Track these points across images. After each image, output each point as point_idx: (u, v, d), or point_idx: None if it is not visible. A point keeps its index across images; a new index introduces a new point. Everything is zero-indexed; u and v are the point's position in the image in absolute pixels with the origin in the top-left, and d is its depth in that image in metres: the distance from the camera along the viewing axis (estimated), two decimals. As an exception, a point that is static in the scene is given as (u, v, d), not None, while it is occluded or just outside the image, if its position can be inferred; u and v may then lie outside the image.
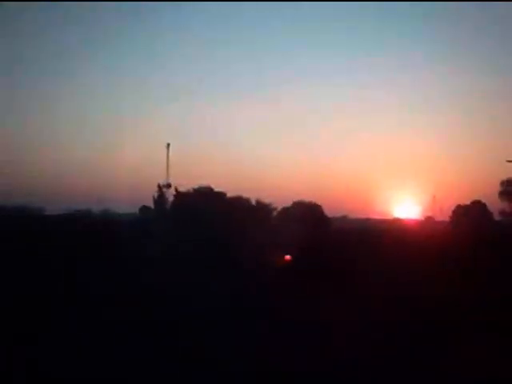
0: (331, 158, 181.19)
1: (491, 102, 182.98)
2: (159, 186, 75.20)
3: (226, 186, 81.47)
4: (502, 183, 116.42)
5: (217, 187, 77.52)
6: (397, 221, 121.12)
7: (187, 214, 70.97)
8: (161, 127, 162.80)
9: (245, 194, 78.29)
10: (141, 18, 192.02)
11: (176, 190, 75.24)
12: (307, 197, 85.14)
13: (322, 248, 40.61)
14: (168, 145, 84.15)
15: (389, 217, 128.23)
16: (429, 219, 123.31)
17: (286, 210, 75.66)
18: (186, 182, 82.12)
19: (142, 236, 52.70)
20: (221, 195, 78.28)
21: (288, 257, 36.62)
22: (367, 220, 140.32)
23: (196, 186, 75.49)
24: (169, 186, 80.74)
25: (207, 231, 61.47)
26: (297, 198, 77.34)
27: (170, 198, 75.83)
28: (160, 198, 75.00)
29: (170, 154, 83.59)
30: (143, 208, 75.89)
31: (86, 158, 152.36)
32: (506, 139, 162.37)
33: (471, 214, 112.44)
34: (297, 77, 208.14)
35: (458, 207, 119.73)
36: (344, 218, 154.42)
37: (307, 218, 69.23)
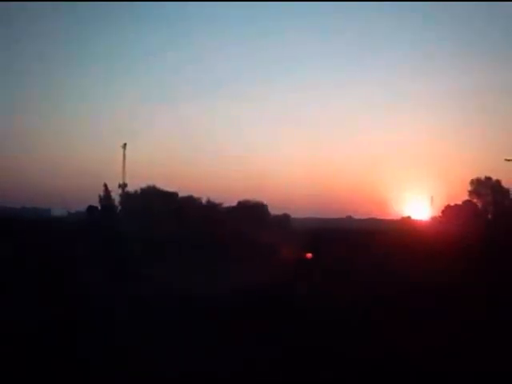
0: (335, 159, 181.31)
1: (495, 100, 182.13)
2: (105, 186, 75.03)
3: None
4: (472, 182, 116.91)
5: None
6: (402, 221, 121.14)
7: (133, 213, 71.02)
8: (119, 127, 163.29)
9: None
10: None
11: (122, 189, 75.17)
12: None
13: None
14: (124, 145, 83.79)
15: (394, 217, 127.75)
16: (435, 219, 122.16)
17: (231, 209, 75.51)
18: (146, 182, 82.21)
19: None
20: (172, 195, 78.36)
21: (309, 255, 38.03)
22: (371, 220, 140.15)
23: (144, 186, 75.56)
24: (125, 185, 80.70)
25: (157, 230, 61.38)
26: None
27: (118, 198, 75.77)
28: (106, 198, 74.80)
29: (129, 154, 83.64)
30: (90, 208, 75.67)
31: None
32: (506, 138, 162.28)
33: (462, 214, 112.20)
34: (289, 75, 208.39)
35: (447, 207, 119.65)
36: (349, 219, 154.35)
37: (251, 217, 69.16)
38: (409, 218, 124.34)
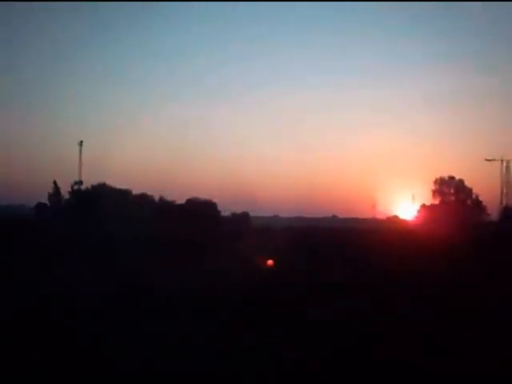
0: (320, 160, 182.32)
1: (490, 101, 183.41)
2: (55, 183, 74.85)
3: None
4: (435, 182, 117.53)
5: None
6: (389, 221, 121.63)
7: (82, 211, 70.86)
8: (75, 126, 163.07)
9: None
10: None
11: (71, 187, 74.94)
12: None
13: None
14: (81, 142, 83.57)
15: (379, 216, 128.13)
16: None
17: (180, 206, 75.49)
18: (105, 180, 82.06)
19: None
20: (124, 192, 78.43)
21: (270, 261, 37.03)
22: (356, 219, 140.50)
23: (95, 183, 75.52)
24: (81, 183, 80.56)
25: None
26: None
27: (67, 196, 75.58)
28: (55, 195, 74.65)
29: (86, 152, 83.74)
30: (39, 205, 75.59)
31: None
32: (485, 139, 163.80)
33: (436, 213, 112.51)
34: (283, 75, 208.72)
35: (423, 207, 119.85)
36: (334, 218, 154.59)
37: (199, 215, 69.20)
38: (396, 217, 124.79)
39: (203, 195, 76.74)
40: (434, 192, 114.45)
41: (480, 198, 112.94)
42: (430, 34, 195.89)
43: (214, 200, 76.50)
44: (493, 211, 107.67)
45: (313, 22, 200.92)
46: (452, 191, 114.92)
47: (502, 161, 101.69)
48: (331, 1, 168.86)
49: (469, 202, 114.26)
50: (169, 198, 77.62)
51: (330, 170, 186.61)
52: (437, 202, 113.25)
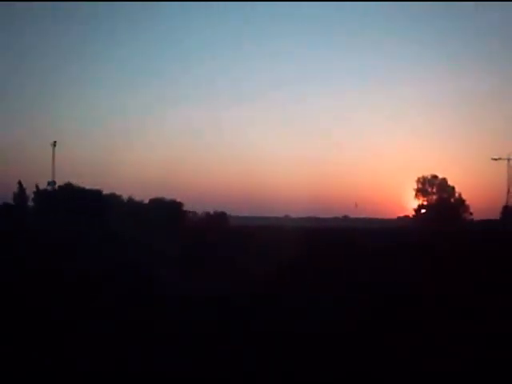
0: (331, 161, 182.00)
1: (489, 103, 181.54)
2: (20, 183, 73.94)
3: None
4: (418, 180, 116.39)
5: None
6: (398, 220, 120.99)
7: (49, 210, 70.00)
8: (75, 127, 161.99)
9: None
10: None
11: (36, 186, 73.97)
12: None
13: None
14: (54, 143, 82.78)
15: (390, 216, 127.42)
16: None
17: (143, 206, 74.50)
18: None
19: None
20: (95, 192, 77.45)
21: None
22: (368, 219, 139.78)
23: (62, 184, 74.54)
24: (54, 183, 79.90)
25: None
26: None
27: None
28: (20, 195, 73.72)
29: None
30: (3, 205, 74.55)
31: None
32: (497, 138, 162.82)
33: (436, 213, 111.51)
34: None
35: (420, 206, 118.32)
36: (345, 218, 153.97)
37: (166, 215, 68.33)
38: (407, 216, 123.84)
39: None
40: (417, 191, 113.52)
41: (463, 197, 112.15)
42: (430, 34, 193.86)
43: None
44: (495, 211, 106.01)
45: (314, 23, 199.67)
46: (434, 190, 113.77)
47: (508, 160, 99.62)
48: (330, 1, 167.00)
49: (452, 200, 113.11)
50: (137, 198, 76.73)
51: (340, 171, 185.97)
52: (420, 200, 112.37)
